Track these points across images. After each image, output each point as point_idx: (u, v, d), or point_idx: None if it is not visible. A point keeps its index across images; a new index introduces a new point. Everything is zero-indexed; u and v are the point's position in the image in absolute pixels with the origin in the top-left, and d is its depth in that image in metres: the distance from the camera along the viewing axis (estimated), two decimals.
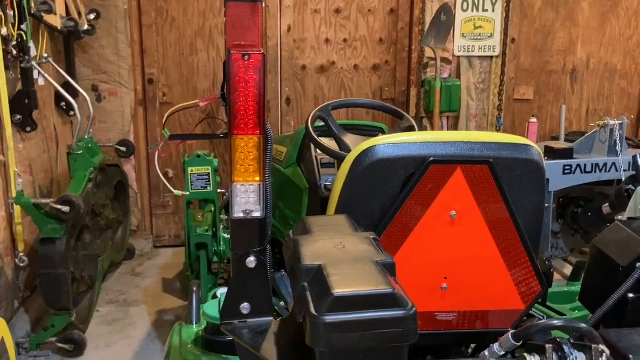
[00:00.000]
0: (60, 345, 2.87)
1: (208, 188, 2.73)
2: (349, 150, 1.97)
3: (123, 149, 4.04)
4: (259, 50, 1.03)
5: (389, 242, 1.33)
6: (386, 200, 1.37)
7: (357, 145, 1.99)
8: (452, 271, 1.42)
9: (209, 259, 2.70)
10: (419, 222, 1.37)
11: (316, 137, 1.94)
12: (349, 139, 2.00)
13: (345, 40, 4.40)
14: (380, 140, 1.41)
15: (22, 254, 3.05)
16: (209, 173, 2.69)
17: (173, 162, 4.31)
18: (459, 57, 4.41)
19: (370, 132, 2.27)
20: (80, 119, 3.27)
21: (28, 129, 3.18)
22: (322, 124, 2.07)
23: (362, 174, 1.36)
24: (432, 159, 1.36)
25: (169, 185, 1.78)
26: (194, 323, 2.05)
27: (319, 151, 2.16)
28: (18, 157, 3.12)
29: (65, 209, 2.71)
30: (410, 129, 2.02)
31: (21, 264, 3.04)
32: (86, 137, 3.52)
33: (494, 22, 4.37)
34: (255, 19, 1.01)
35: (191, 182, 2.75)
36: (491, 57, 4.43)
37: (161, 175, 1.64)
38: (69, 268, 2.84)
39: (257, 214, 1.12)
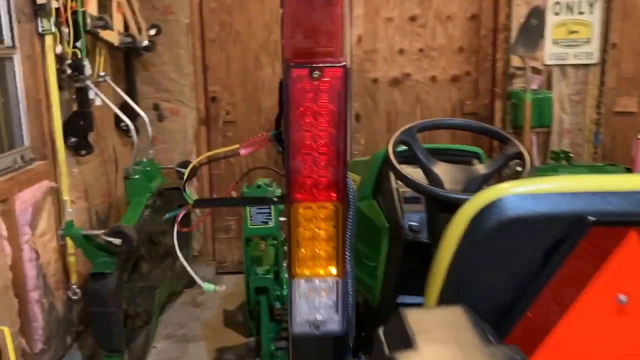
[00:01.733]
0: None
1: (269, 223, 2.41)
2: (439, 184, 1.60)
3: (184, 170, 3.81)
4: (339, 62, 0.70)
5: (524, 338, 0.93)
6: (521, 277, 0.96)
7: (450, 176, 1.63)
8: None
9: (271, 304, 2.38)
10: (570, 311, 0.94)
11: (399, 167, 1.58)
12: (439, 168, 1.63)
13: (421, 50, 4.02)
14: (511, 188, 1.00)
15: (75, 286, 2.84)
16: (270, 206, 2.37)
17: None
18: (550, 66, 3.93)
19: (462, 157, 1.89)
20: (136, 141, 3.05)
21: (83, 152, 2.99)
22: (404, 147, 1.71)
23: (485, 238, 0.97)
24: (592, 218, 0.94)
25: (196, 278, 1.46)
26: None
27: (400, 183, 1.80)
28: (72, 182, 2.93)
29: (117, 241, 2.47)
30: (518, 157, 1.63)
31: (74, 297, 2.84)
32: (144, 159, 3.30)
33: (592, 25, 3.87)
34: (332, 11, 0.68)
35: (250, 217, 2.45)
36: (587, 65, 3.92)
37: (182, 260, 1.30)
38: (121, 305, 2.60)
39: (333, 327, 0.78)
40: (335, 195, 0.75)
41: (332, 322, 0.80)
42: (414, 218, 1.70)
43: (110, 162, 3.51)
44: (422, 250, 1.70)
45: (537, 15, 3.51)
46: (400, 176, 1.57)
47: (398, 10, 3.98)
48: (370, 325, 2.06)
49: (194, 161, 1.10)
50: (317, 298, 0.77)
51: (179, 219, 1.04)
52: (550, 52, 3.90)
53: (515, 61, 3.89)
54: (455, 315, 0.79)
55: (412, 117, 4.09)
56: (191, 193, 1.04)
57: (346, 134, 0.75)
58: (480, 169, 1.65)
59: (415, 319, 0.77)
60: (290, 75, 0.73)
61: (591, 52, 3.89)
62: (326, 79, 0.73)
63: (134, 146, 3.06)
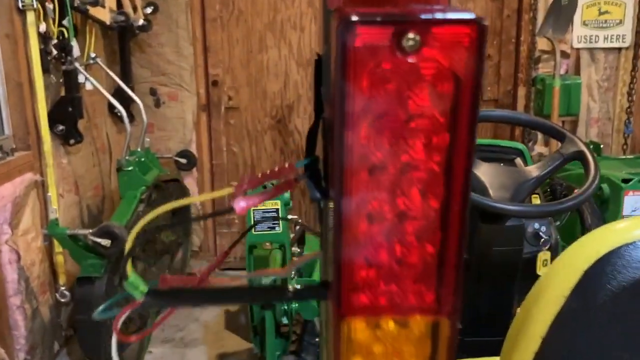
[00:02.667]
0: None
1: (277, 229, 2.12)
2: (483, 190, 1.33)
3: (183, 160, 3.55)
4: (463, 16, 0.42)
5: None
6: None
7: (495, 180, 1.36)
8: None
9: (277, 321, 2.12)
10: None
11: None
12: (481, 169, 1.37)
13: None
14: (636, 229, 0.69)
15: (63, 288, 2.60)
16: (277, 209, 2.08)
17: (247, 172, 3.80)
18: (578, 49, 3.64)
19: (504, 155, 1.62)
20: (129, 130, 2.79)
21: (72, 141, 2.73)
22: None
23: (608, 305, 0.68)
24: None
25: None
26: None
27: None
28: (61, 174, 2.68)
29: (106, 242, 2.22)
30: (579, 158, 1.35)
31: (62, 300, 2.60)
32: (138, 149, 3.04)
33: (624, 5, 3.57)
34: None
35: (253, 220, 2.18)
36: (619, 49, 3.63)
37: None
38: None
39: None
40: (437, 299, 0.43)
41: None
42: None
43: (103, 152, 3.25)
44: None
45: None
46: None
47: None
48: None
49: (132, 233, 0.65)
50: None
51: (118, 323, 0.61)
52: (579, 34, 3.60)
53: (542, 44, 3.60)
54: None
55: None
56: (138, 281, 0.65)
57: (469, 176, 0.45)
58: (531, 171, 1.38)
59: None
60: (348, 41, 0.38)
61: (624, 34, 3.60)
62: (432, 53, 0.40)
63: (127, 135, 2.79)
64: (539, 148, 3.68)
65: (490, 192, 1.32)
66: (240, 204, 0.53)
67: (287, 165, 0.52)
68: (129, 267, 0.59)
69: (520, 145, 1.69)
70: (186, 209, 3.54)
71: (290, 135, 3.77)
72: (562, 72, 3.60)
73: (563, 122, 3.69)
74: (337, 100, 0.38)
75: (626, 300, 0.65)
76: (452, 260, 0.40)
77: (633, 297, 0.65)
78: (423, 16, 0.40)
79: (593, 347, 0.67)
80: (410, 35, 0.39)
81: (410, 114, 0.39)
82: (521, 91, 3.69)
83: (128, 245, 0.61)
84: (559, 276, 0.71)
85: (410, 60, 0.38)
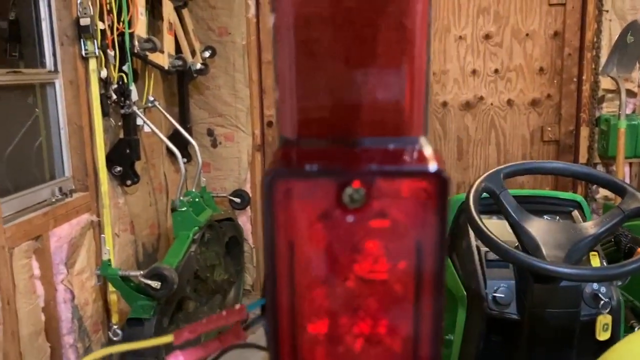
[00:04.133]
0: None
1: None
2: (535, 248, 1.25)
3: (237, 200, 3.58)
4: (425, 164, 0.36)
5: None
6: None
7: (549, 237, 1.28)
8: None
9: None
10: None
11: (484, 226, 1.24)
12: (533, 225, 1.29)
13: (496, 71, 3.65)
14: None
15: (115, 327, 2.63)
16: None
17: None
18: None
19: (561, 207, 1.53)
20: (183, 172, 2.84)
21: (129, 182, 2.80)
22: (486, 194, 1.37)
23: None
24: None
25: None
26: None
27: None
28: (117, 213, 2.75)
29: (156, 284, 2.24)
30: None
31: (115, 338, 2.63)
32: (193, 189, 3.09)
33: None
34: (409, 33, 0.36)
35: None
36: None
37: None
38: (160, 355, 2.35)
39: None
40: None
41: None
42: (499, 287, 1.36)
43: (160, 191, 3.32)
44: (509, 328, 1.36)
45: (634, 30, 3.08)
46: (484, 237, 1.24)
47: (471, 27, 3.63)
48: None
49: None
50: None
51: None
52: None
53: (605, 83, 3.45)
54: None
55: (486, 144, 3.71)
56: None
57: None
58: (588, 228, 1.29)
59: None
60: (274, 193, 0.37)
61: None
62: (381, 207, 0.35)
63: (181, 176, 2.85)
64: (604, 190, 3.50)
65: (544, 250, 1.24)
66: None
67: (237, 307, 0.48)
68: None
69: (578, 198, 1.60)
70: (239, 244, 3.56)
71: None
72: (629, 111, 3.44)
73: (630, 164, 3.51)
74: (267, 257, 0.35)
75: None
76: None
77: None
78: (370, 167, 0.34)
79: None
80: (355, 191, 0.34)
81: (357, 279, 0.34)
82: (584, 132, 3.54)
83: None
84: None
85: (354, 217, 0.33)
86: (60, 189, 2.41)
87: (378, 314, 0.36)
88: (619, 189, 1.34)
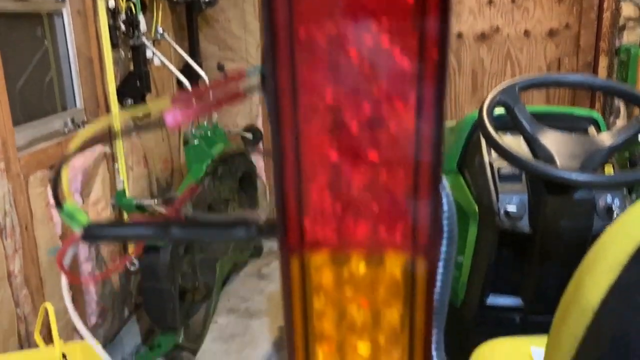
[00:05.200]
0: None
1: None
2: (549, 158, 1.24)
3: (249, 135, 3.58)
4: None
5: None
6: None
7: (563, 148, 1.27)
8: None
9: None
10: None
11: (497, 135, 1.23)
12: (547, 137, 1.27)
13: (513, 1, 3.54)
14: None
15: (132, 256, 2.69)
16: None
17: None
18: None
19: (577, 124, 1.50)
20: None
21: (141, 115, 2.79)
22: (501, 111, 1.35)
23: None
24: None
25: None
26: None
27: (494, 155, 1.44)
28: (130, 146, 2.76)
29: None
30: None
31: (131, 268, 2.69)
32: (205, 123, 3.08)
33: None
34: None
35: None
36: None
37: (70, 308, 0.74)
38: (176, 281, 2.41)
39: None
40: (406, 234, 0.34)
41: None
42: (512, 201, 1.35)
43: None
44: (520, 242, 1.36)
45: None
46: (497, 146, 1.22)
47: None
48: (450, 328, 1.74)
49: (70, 150, 0.55)
50: None
51: (63, 258, 0.54)
52: None
53: (627, 10, 3.34)
54: None
55: (502, 76, 3.64)
56: (76, 211, 0.58)
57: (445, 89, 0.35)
58: (604, 139, 1.27)
59: None
60: None
61: None
62: None
63: None
64: (621, 122, 3.44)
65: (557, 160, 1.22)
66: (172, 116, 0.46)
67: (238, 73, 0.47)
68: (65, 190, 0.54)
69: (595, 114, 1.56)
70: (252, 180, 3.58)
71: None
72: None
73: None
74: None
75: None
76: (426, 188, 0.34)
77: None
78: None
79: None
80: None
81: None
82: (603, 62, 3.45)
83: (71, 149, 0.53)
84: (615, 242, 0.63)
85: None
86: (72, 120, 2.42)
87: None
88: (637, 100, 1.31)
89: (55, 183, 0.54)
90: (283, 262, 0.40)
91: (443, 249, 0.46)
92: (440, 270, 0.46)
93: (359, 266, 0.35)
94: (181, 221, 0.51)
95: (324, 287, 0.37)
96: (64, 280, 0.61)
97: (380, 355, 0.37)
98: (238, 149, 3.42)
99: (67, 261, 0.54)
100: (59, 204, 0.53)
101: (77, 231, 0.52)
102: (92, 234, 0.52)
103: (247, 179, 3.56)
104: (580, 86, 1.47)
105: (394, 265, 0.34)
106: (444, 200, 0.47)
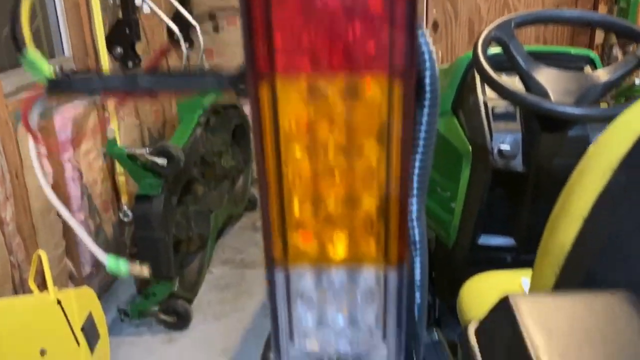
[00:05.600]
0: (162, 317, 2.49)
1: None
2: (544, 94, 1.22)
3: (242, 86, 3.52)
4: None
5: None
6: None
7: (558, 85, 1.24)
8: None
9: None
10: None
11: (491, 70, 1.20)
12: (542, 74, 1.24)
13: None
14: None
15: (125, 208, 2.69)
16: None
17: None
18: None
19: (572, 63, 1.47)
20: (185, 53, 2.77)
21: (130, 63, 2.74)
22: (497, 51, 1.32)
23: None
24: None
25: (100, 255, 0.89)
26: None
27: (489, 94, 1.42)
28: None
29: (162, 161, 2.24)
30: None
31: (125, 219, 2.68)
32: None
33: None
34: None
35: None
36: None
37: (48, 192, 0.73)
38: (170, 230, 2.40)
39: None
40: (382, 59, 0.32)
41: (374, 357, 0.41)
42: (505, 140, 1.33)
43: None
44: (514, 181, 1.35)
45: None
46: (490, 80, 1.20)
47: None
48: (441, 270, 1.75)
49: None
50: (336, 308, 0.39)
51: (29, 114, 0.52)
52: None
53: None
54: (611, 307, 0.43)
55: None
56: (42, 63, 0.56)
57: None
58: (600, 75, 1.24)
59: (537, 315, 0.42)
60: None
61: None
62: None
63: (183, 58, 2.79)
64: None
65: (552, 97, 1.20)
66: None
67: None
68: (25, 34, 0.52)
69: (592, 54, 1.53)
70: (246, 133, 3.55)
71: None
72: None
73: None
74: None
75: None
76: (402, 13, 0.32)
77: None
78: None
79: None
80: None
81: None
82: (602, 10, 3.39)
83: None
84: (606, 147, 0.62)
85: None
86: (61, 68, 2.36)
87: None
88: (635, 34, 1.28)
89: (14, 22, 0.51)
90: (252, 95, 0.37)
91: (425, 110, 0.45)
92: (421, 134, 0.45)
93: (335, 94, 0.33)
94: (150, 72, 0.49)
95: (297, 122, 0.35)
96: (31, 144, 0.59)
97: (358, 195, 0.36)
98: (231, 101, 3.37)
99: (33, 121, 0.52)
100: (19, 48, 0.50)
101: (41, 82, 0.49)
102: (58, 86, 0.49)
103: (240, 132, 3.53)
104: (578, 22, 1.43)
105: (372, 90, 0.32)
106: (424, 50, 0.45)
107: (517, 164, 1.33)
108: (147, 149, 2.30)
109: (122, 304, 2.59)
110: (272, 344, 0.41)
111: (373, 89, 0.33)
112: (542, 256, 0.70)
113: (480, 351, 0.47)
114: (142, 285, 2.75)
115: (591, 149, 0.66)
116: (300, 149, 0.35)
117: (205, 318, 2.63)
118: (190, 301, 2.64)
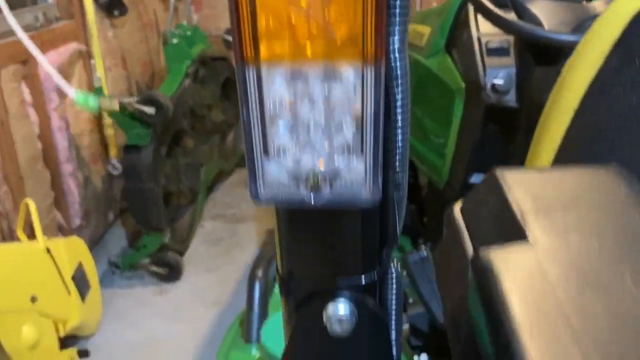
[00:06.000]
0: (153, 268, 2.49)
1: None
2: (539, 24, 1.19)
3: (231, 38, 3.45)
4: None
5: None
6: None
7: (553, 15, 1.21)
8: None
9: None
10: None
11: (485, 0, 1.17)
12: (536, 6, 1.21)
13: None
14: None
15: (114, 161, 2.65)
16: None
17: None
18: None
19: None
20: (173, 2, 2.70)
21: (116, 12, 2.67)
22: None
23: None
24: None
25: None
26: (252, 342, 1.51)
27: (482, 29, 1.38)
28: (107, 47, 2.65)
29: (150, 110, 2.20)
30: None
31: (114, 172, 2.65)
32: (185, 23, 2.96)
33: None
34: None
35: None
36: None
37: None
38: (159, 181, 2.38)
39: (357, 192, 0.40)
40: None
41: (353, 177, 0.41)
42: (499, 75, 1.30)
43: (150, 28, 3.19)
44: (507, 117, 1.33)
45: None
46: (485, 11, 1.16)
47: None
48: (433, 211, 1.74)
49: None
50: (312, 116, 0.38)
51: None
52: None
53: None
54: (601, 179, 0.40)
55: None
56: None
57: None
58: (597, 6, 1.21)
59: (525, 185, 0.40)
60: None
61: None
62: None
63: (170, 6, 2.72)
64: None
65: (546, 27, 1.17)
66: None
67: None
68: None
69: None
70: (235, 86, 3.50)
71: None
72: None
73: None
74: None
75: None
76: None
77: None
78: None
79: (635, 111, 0.55)
80: None
81: None
82: None
83: None
84: (597, 34, 0.59)
85: None
86: (44, 14, 2.30)
87: None
88: None
89: None
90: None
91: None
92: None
93: None
94: None
95: None
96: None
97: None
98: (220, 53, 3.31)
99: None
100: None
101: None
102: None
103: (231, 86, 3.47)
104: None
105: None
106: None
107: (510, 99, 1.30)
108: (135, 97, 2.26)
109: (112, 256, 2.58)
110: (247, 164, 0.40)
111: None
112: (533, 153, 0.69)
113: (467, 228, 0.45)
114: (133, 238, 2.75)
115: (584, 36, 0.63)
116: None
117: (197, 270, 2.63)
118: (181, 253, 2.64)
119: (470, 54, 1.36)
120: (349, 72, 0.36)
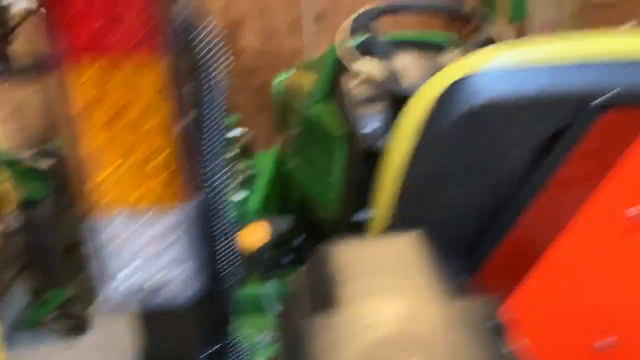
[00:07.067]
0: (58, 323, 2.43)
1: None
2: (397, 77, 1.33)
3: None
4: None
5: (506, 266, 0.67)
6: (501, 184, 0.69)
7: (410, 69, 1.36)
8: (623, 320, 0.72)
9: None
10: (568, 227, 0.63)
11: (348, 58, 1.29)
12: (399, 60, 1.36)
13: None
14: (483, 62, 0.68)
15: (12, 216, 2.57)
16: None
17: None
18: None
19: (431, 48, 1.60)
20: None
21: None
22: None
23: (450, 131, 0.68)
24: (603, 99, 0.62)
25: None
26: None
27: (354, 80, 1.52)
28: None
29: (44, 165, 2.18)
30: (490, 44, 1.34)
31: (9, 230, 2.56)
32: None
33: None
34: None
35: None
36: None
37: None
38: (59, 235, 2.34)
39: (176, 293, 0.47)
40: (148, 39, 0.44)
41: (173, 286, 0.49)
42: (369, 123, 1.43)
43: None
44: (381, 159, 1.46)
45: None
46: (350, 69, 1.30)
47: None
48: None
49: None
50: (137, 247, 0.47)
51: None
52: None
53: None
54: (405, 247, 0.51)
55: None
56: None
57: None
58: (450, 58, 1.38)
59: (344, 257, 0.50)
60: None
61: None
62: None
63: None
64: None
65: (403, 80, 1.31)
66: None
67: None
68: None
69: (452, 37, 1.66)
70: None
71: None
72: None
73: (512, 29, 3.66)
74: None
75: (463, 129, 0.66)
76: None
77: (468, 126, 0.67)
78: None
79: (441, 176, 0.69)
80: None
81: None
82: None
83: None
84: (409, 114, 0.72)
85: None
86: None
87: None
88: (471, 19, 1.42)
89: None
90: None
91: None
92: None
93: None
94: None
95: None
96: None
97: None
98: None
99: None
100: None
101: None
102: None
103: None
104: (426, 10, 1.55)
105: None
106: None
107: (381, 144, 1.44)
108: (30, 151, 2.23)
109: (17, 313, 2.49)
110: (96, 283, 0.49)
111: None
112: (376, 203, 0.81)
113: (294, 296, 0.55)
114: (37, 293, 2.66)
115: (401, 117, 0.76)
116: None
117: (108, 319, 2.58)
118: (89, 305, 2.58)
119: (345, 104, 1.49)
120: (171, 211, 0.46)
